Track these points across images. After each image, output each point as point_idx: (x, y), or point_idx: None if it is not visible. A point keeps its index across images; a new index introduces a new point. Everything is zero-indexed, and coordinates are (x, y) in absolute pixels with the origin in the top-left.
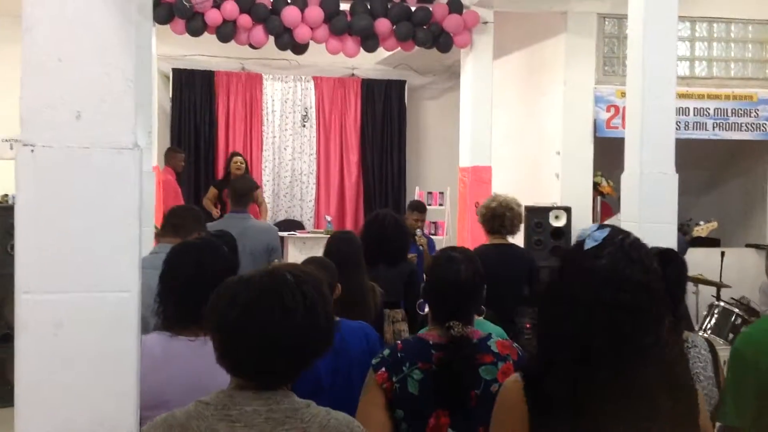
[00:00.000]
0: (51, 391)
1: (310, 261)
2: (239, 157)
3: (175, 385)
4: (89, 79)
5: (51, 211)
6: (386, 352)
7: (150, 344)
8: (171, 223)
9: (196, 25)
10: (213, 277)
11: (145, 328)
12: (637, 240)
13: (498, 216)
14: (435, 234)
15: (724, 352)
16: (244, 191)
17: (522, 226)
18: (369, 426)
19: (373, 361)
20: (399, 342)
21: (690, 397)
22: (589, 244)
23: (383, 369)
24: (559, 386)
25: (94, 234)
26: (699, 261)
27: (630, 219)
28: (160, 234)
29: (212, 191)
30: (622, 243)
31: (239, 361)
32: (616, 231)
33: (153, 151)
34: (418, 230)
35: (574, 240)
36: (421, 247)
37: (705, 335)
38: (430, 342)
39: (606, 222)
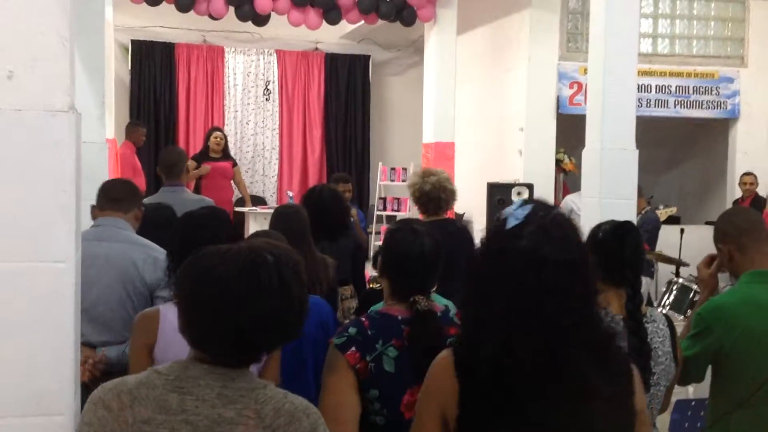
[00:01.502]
0: None
1: (259, 235)
2: (219, 132)
3: None
4: (21, 36)
5: None
6: (352, 330)
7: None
8: (110, 198)
9: None
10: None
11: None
12: (559, 216)
13: (433, 199)
14: (398, 210)
15: (681, 328)
16: (169, 163)
17: (485, 202)
18: (343, 409)
19: (337, 341)
20: (363, 319)
21: (625, 375)
22: (510, 223)
23: (353, 348)
24: (483, 366)
25: (28, 201)
26: (659, 238)
27: (590, 194)
28: (98, 208)
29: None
30: (543, 221)
31: (203, 336)
32: (538, 208)
33: (108, 123)
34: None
35: (498, 218)
36: (351, 218)
37: (663, 311)
38: (399, 318)
39: (566, 198)
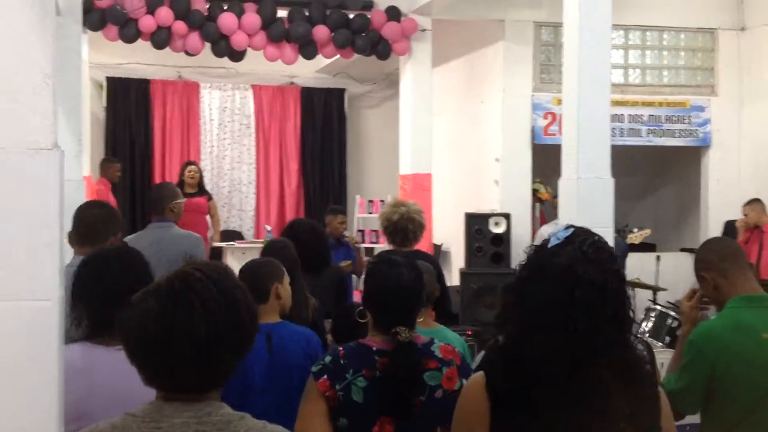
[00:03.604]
0: None
1: (252, 261)
2: (194, 166)
3: (98, 395)
4: (3, 73)
5: None
6: (327, 358)
7: (70, 354)
8: (78, 232)
9: (129, 32)
10: (126, 286)
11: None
12: (598, 241)
13: (400, 230)
14: (377, 242)
15: (661, 355)
16: (152, 199)
17: (462, 232)
18: None
19: (314, 369)
20: (341, 348)
21: (652, 402)
22: (552, 243)
23: (325, 377)
24: (515, 383)
25: (11, 239)
26: (635, 265)
27: (568, 223)
28: (76, 243)
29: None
30: (582, 243)
31: (167, 375)
32: (579, 231)
33: (84, 160)
34: (346, 232)
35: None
36: (356, 244)
37: (642, 338)
38: (374, 348)
39: (541, 229)
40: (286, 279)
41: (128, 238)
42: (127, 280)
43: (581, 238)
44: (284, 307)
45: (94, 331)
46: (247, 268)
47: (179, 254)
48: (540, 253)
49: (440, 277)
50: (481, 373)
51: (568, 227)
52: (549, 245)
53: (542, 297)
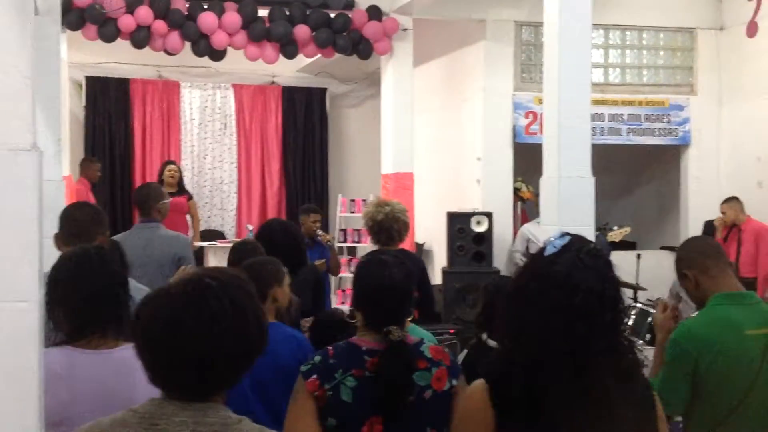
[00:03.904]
0: None
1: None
2: (173, 166)
3: (80, 400)
4: None
5: None
6: (317, 358)
7: (49, 359)
8: (67, 232)
9: (108, 31)
10: (105, 287)
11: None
12: (594, 249)
13: (385, 229)
14: (359, 242)
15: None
16: (139, 199)
17: (444, 231)
18: None
19: (303, 368)
20: (330, 348)
21: (648, 404)
22: (549, 251)
23: (314, 376)
24: (517, 388)
25: None
26: (616, 263)
27: (549, 221)
28: (61, 242)
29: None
30: (579, 251)
31: (166, 377)
32: (575, 239)
33: (64, 160)
34: (319, 230)
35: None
36: (328, 243)
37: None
38: (363, 348)
39: (523, 227)
40: (286, 280)
41: (115, 238)
42: (106, 280)
43: (578, 246)
44: (280, 310)
45: (74, 334)
46: (250, 267)
47: (169, 255)
48: (537, 261)
49: (424, 277)
50: (482, 381)
51: (563, 235)
52: (546, 253)
53: (541, 304)
